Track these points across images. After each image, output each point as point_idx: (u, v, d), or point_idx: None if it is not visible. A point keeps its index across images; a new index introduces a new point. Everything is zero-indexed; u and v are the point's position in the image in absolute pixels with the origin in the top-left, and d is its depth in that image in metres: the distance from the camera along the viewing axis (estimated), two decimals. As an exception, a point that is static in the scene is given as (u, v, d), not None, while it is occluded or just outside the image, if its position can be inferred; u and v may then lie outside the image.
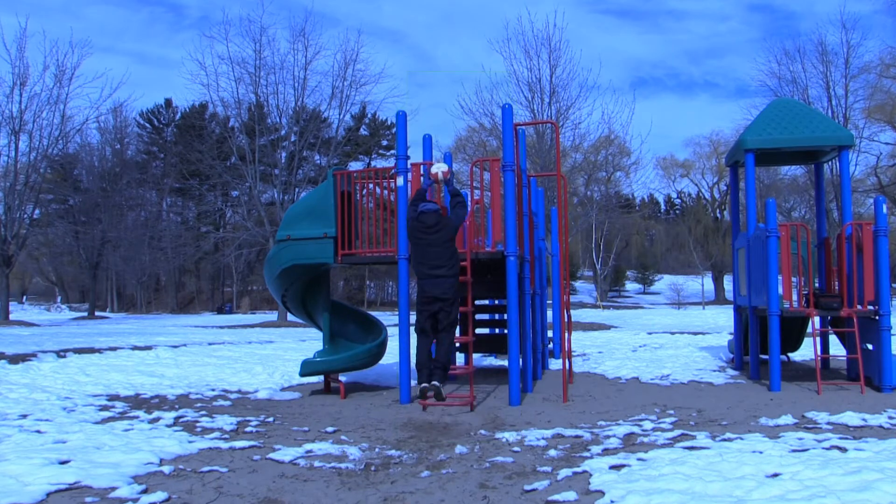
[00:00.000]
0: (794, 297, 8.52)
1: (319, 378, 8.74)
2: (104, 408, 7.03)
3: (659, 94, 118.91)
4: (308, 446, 5.20)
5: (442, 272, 6.73)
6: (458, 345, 9.28)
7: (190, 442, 5.37)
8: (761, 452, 4.68)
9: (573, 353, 11.75)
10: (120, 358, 11.21)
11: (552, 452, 4.92)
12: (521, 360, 7.64)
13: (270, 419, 6.46)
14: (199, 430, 5.95)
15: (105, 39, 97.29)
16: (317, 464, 4.72)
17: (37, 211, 31.06)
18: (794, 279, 8.52)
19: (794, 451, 4.76)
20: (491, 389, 8.16)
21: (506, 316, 7.75)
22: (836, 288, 8.75)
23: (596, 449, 4.99)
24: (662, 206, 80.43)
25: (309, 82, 27.35)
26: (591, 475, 4.26)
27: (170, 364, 10.72)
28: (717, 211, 55.40)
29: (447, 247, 6.80)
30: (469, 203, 7.92)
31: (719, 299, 49.23)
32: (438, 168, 7.09)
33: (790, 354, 10.44)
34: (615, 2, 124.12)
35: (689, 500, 3.66)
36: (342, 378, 8.17)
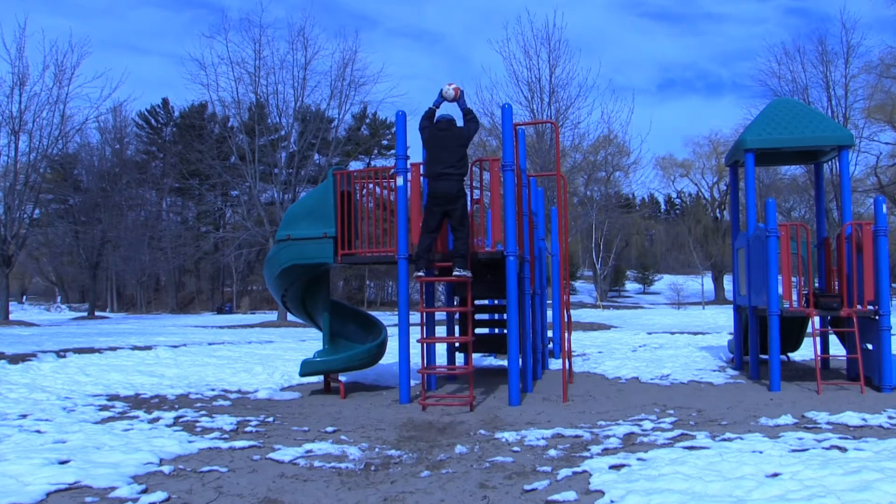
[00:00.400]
0: (794, 297, 8.52)
1: (319, 378, 8.74)
2: (104, 408, 7.03)
3: (686, 95, 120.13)
4: (308, 446, 5.21)
5: (451, 171, 7.02)
6: (457, 345, 9.29)
7: (190, 442, 5.37)
8: (761, 452, 4.69)
9: (573, 353, 11.75)
10: (120, 358, 11.21)
11: (552, 452, 4.93)
12: (520, 360, 7.64)
13: (270, 419, 6.46)
14: (198, 430, 5.95)
15: (146, 41, 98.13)
16: (317, 464, 4.72)
17: (37, 211, 31.03)
18: (794, 279, 8.51)
19: (794, 450, 4.76)
20: (491, 389, 8.16)
21: (506, 316, 7.75)
22: (836, 288, 8.75)
23: (596, 449, 4.99)
24: (662, 206, 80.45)
25: (308, 82, 27.38)
26: (591, 475, 4.26)
27: (170, 364, 10.72)
28: (717, 211, 55.38)
29: (458, 150, 7.11)
30: (469, 203, 7.93)
31: (719, 299, 49.22)
32: (449, 88, 7.26)
33: (790, 354, 10.44)
34: (654, 4, 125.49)
35: (689, 499, 3.66)
36: (342, 378, 8.17)
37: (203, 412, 6.78)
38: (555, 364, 10.99)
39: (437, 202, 7.08)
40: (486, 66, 74.33)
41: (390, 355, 9.46)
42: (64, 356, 11.07)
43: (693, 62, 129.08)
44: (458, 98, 7.26)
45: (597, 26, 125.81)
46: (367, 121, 48.18)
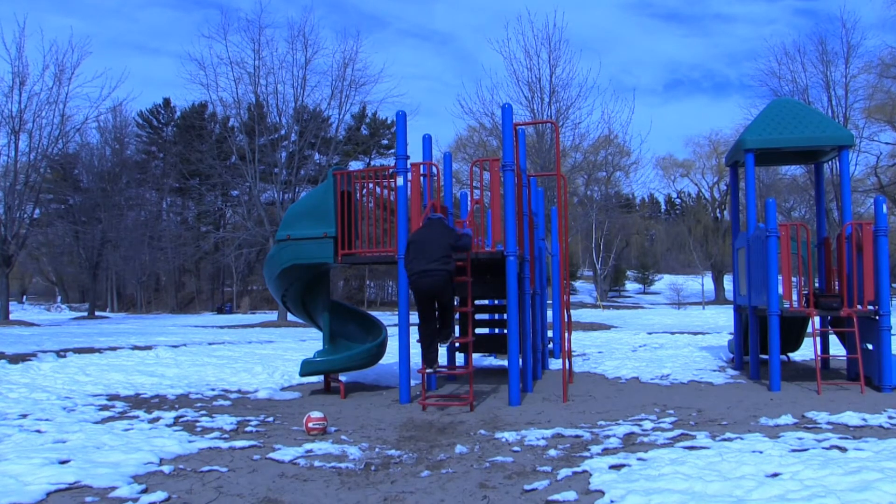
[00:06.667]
0: (794, 297, 8.52)
1: (319, 378, 8.74)
2: (104, 407, 7.03)
3: (692, 95, 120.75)
4: (308, 446, 5.21)
5: (435, 266, 6.68)
6: (458, 345, 9.29)
7: (190, 442, 5.37)
8: (761, 452, 4.69)
9: (573, 353, 11.75)
10: (120, 358, 11.21)
11: (552, 452, 4.93)
12: (520, 360, 7.64)
13: (270, 419, 6.46)
14: (199, 429, 5.96)
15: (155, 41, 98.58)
16: (317, 464, 4.72)
17: (37, 211, 31.00)
18: (794, 279, 8.51)
19: (794, 450, 4.76)
20: (491, 389, 8.16)
21: (506, 316, 7.75)
22: (836, 288, 8.75)
23: (596, 449, 4.99)
24: (662, 206, 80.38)
25: (308, 82, 27.39)
26: (591, 475, 4.26)
27: (170, 364, 10.72)
28: (717, 211, 55.36)
29: (445, 248, 6.77)
30: (469, 203, 7.93)
31: (719, 299, 49.19)
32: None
33: (790, 354, 10.44)
34: (663, 5, 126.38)
35: (689, 499, 3.66)
36: (342, 378, 8.17)
37: (203, 412, 6.78)
38: (555, 364, 10.99)
39: (424, 297, 6.86)
40: (488, 67, 74.39)
41: (390, 355, 9.46)
42: (64, 356, 11.07)
43: (700, 62, 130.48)
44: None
45: (606, 27, 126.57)
46: (367, 121, 48.19)
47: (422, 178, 7.84)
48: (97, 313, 39.33)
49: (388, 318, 17.16)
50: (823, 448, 4.84)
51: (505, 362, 10.35)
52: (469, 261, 7.18)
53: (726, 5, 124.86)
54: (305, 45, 27.07)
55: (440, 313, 7.05)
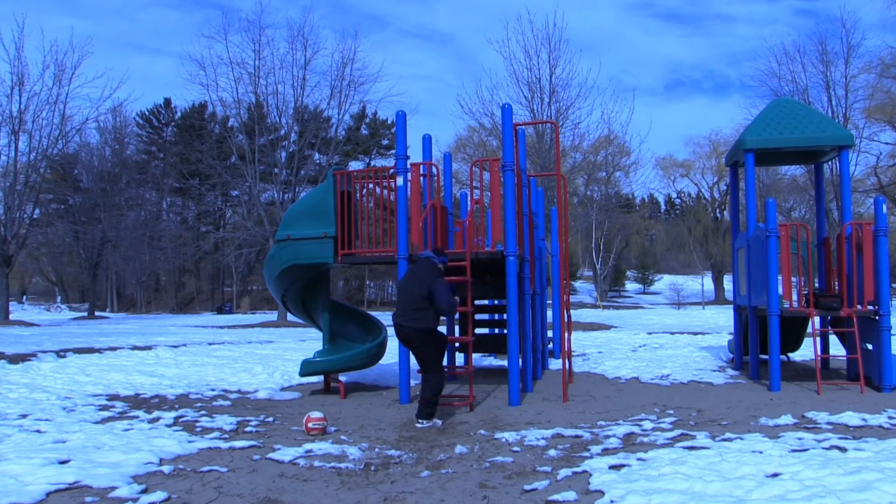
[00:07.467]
0: (794, 297, 8.51)
1: (319, 378, 8.74)
2: (104, 408, 7.03)
3: (693, 95, 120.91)
4: (308, 446, 5.21)
5: (403, 322, 6.32)
6: (458, 345, 9.29)
7: (190, 442, 5.37)
8: (761, 452, 4.69)
9: (573, 353, 11.75)
10: (120, 358, 11.21)
11: (552, 452, 4.93)
12: (520, 360, 7.64)
13: (270, 419, 6.46)
14: (198, 429, 5.96)
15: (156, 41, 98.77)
16: (317, 464, 4.72)
17: (37, 211, 30.97)
18: (794, 279, 8.51)
19: (793, 450, 4.76)
20: (491, 389, 8.16)
21: (505, 316, 7.74)
22: (836, 288, 8.75)
23: (596, 449, 4.99)
24: (662, 206, 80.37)
25: (308, 82, 27.39)
26: (591, 475, 4.26)
27: (170, 364, 10.72)
28: (717, 211, 55.35)
29: (419, 299, 6.27)
30: (469, 203, 7.91)
31: (719, 299, 49.18)
32: None
33: (790, 354, 10.44)
34: (664, 5, 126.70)
35: (688, 499, 3.66)
36: (342, 378, 8.17)
37: (203, 412, 6.78)
38: (555, 364, 10.99)
39: (402, 341, 6.65)
40: (488, 67, 74.48)
41: (390, 355, 9.47)
42: (64, 356, 11.07)
43: (701, 63, 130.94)
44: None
45: (607, 27, 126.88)
46: (367, 121, 48.22)
47: (422, 178, 7.84)
48: (97, 313, 39.32)
49: (388, 319, 17.14)
50: (823, 448, 4.84)
51: (505, 362, 10.35)
52: (469, 261, 7.17)
53: (727, 5, 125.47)
54: (305, 45, 27.10)
55: (419, 360, 6.47)
